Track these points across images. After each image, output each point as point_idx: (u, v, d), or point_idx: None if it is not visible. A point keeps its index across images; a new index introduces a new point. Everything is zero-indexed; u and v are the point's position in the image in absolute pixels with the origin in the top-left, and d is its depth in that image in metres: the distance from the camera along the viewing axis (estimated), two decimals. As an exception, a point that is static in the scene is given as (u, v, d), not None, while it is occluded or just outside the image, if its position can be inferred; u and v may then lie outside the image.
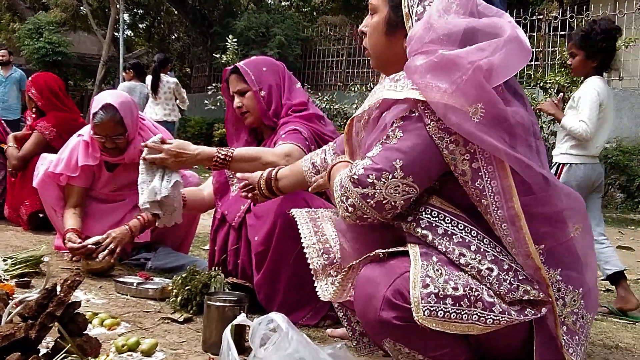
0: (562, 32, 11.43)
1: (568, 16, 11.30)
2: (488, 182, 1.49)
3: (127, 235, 3.17)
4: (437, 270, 1.47)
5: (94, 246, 3.11)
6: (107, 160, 3.48)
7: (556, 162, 3.62)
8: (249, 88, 2.85)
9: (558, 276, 1.55)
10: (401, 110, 1.55)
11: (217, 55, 11.84)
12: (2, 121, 5.22)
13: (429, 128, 1.51)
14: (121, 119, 3.26)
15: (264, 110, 2.84)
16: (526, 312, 1.50)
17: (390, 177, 1.51)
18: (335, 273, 1.80)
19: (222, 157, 2.53)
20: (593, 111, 3.41)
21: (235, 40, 10.72)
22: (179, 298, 2.61)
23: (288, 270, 2.56)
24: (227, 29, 15.11)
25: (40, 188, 3.54)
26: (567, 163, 3.53)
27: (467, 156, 1.50)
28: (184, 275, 2.69)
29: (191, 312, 2.57)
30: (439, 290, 1.44)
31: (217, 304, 2.20)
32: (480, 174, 1.50)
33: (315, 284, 1.82)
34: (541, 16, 11.49)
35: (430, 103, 1.49)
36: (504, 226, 1.49)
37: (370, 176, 1.51)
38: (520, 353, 1.59)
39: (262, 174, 2.33)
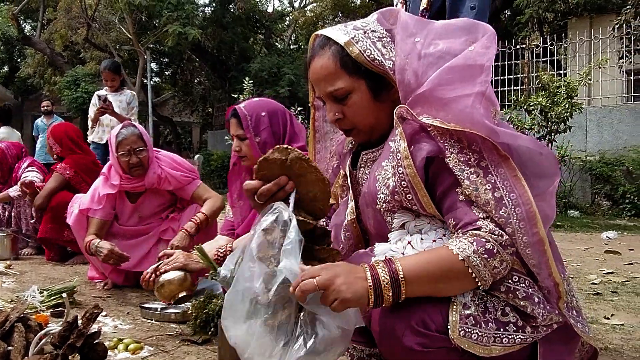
0: (544, 59, 11.40)
1: (548, 44, 11.28)
2: (512, 209, 1.37)
3: (187, 240, 3.19)
4: (477, 296, 1.40)
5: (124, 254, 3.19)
6: (128, 189, 3.47)
7: None
8: (245, 135, 2.64)
9: (563, 275, 1.49)
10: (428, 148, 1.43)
11: (235, 96, 11.88)
12: (43, 164, 5.35)
13: (449, 161, 1.41)
14: (140, 134, 3.44)
15: (260, 155, 2.65)
16: (539, 330, 1.44)
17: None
18: None
19: (222, 254, 2.54)
20: None
21: (250, 81, 10.73)
22: (198, 320, 2.57)
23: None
24: (242, 72, 15.20)
25: (74, 225, 3.52)
26: None
27: (489, 186, 1.39)
28: (202, 299, 2.65)
29: (209, 333, 2.52)
30: (478, 314, 1.37)
31: (230, 325, 2.16)
32: (504, 202, 1.38)
33: None
34: (524, 45, 11.44)
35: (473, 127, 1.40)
36: (528, 251, 1.40)
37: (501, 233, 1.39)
38: None
39: None
